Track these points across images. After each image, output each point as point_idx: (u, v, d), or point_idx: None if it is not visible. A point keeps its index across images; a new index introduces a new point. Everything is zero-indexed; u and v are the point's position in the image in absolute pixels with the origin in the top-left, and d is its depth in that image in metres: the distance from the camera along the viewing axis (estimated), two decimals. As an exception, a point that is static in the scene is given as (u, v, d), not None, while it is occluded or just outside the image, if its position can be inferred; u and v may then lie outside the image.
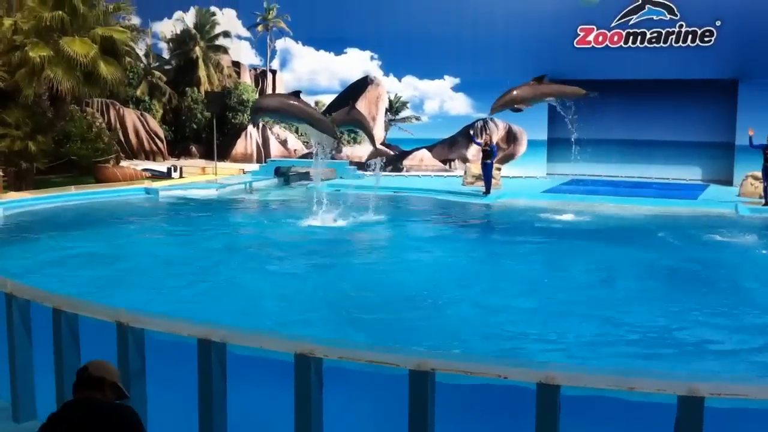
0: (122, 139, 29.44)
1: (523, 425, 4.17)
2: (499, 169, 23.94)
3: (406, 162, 28.47)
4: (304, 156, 29.09)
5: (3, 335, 6.55)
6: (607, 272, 12.12)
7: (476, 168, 23.27)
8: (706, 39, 25.05)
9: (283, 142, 30.29)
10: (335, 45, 28.93)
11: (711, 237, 15.28)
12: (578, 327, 8.64)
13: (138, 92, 30.71)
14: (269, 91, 30.27)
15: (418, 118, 28.90)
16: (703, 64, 24.98)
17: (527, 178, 26.51)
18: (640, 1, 25.75)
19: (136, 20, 28.22)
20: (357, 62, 29.04)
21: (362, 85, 29.12)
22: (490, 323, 8.81)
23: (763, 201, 19.37)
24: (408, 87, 28.91)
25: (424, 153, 28.52)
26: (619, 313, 9.33)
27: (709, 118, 25.57)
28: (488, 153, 21.49)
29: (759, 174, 19.83)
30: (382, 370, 4.72)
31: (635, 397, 4.02)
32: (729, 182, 24.00)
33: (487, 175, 21.56)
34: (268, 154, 30.11)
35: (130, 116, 30.25)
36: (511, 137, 28.06)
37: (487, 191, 21.38)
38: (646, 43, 25.86)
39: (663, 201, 20.46)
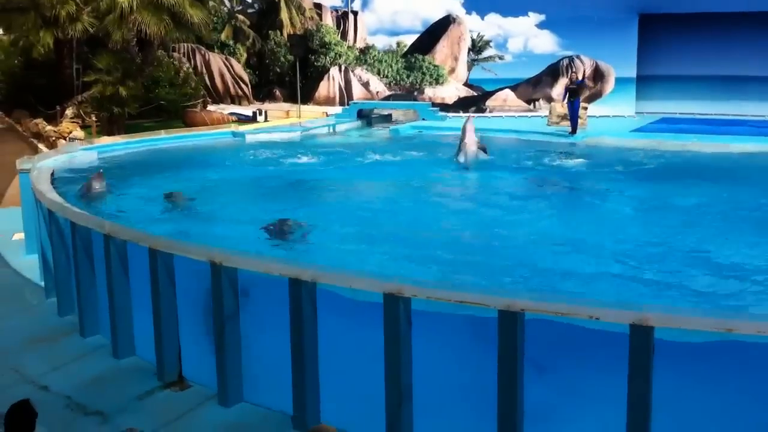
0: (208, 83, 29.92)
1: (614, 366, 4.13)
2: (586, 108, 23.30)
3: (489, 102, 28.03)
4: (387, 98, 28.97)
5: (103, 275, 6.84)
6: (713, 214, 11.68)
7: (561, 107, 22.72)
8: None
9: (365, 84, 30.21)
10: (417, -17, 28.49)
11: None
12: (678, 270, 8.40)
13: (222, 36, 31.04)
14: (351, 34, 30.11)
15: (501, 57, 28.40)
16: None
17: (615, 117, 25.78)
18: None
19: (219, -37, 28.45)
20: (439, 1, 28.55)
21: (444, 24, 28.70)
22: (587, 262, 8.68)
23: None
24: (491, 25, 28.38)
25: (508, 93, 28.03)
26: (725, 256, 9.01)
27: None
28: (574, 91, 20.89)
29: None
30: (468, 310, 4.72)
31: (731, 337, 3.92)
32: (830, 118, 22.87)
33: (573, 115, 21.01)
34: (350, 97, 30.11)
35: (216, 61, 30.64)
36: (598, 75, 27.31)
37: (574, 131, 20.87)
38: (741, -26, 24.58)
39: (758, 139, 19.60)
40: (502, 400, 4.47)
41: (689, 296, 7.48)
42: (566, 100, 20.98)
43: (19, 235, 10.76)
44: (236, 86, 30.78)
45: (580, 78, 22.14)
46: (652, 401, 4.06)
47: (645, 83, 26.47)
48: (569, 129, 21.05)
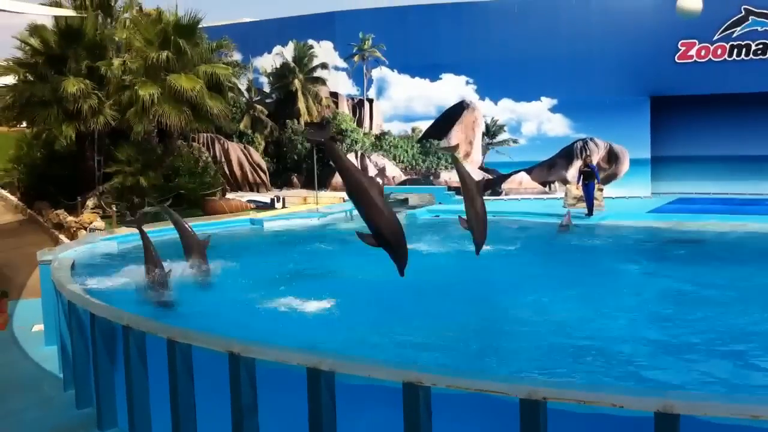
0: (227, 171, 30.39)
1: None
2: (602, 190, 23.42)
3: (505, 185, 28.25)
4: (403, 183, 29.27)
5: (121, 367, 6.83)
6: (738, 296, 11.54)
7: (577, 189, 22.84)
8: (816, 47, 24.01)
9: (381, 170, 30.55)
10: (430, 71, 29.06)
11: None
12: (704, 361, 8.26)
13: (241, 126, 31.69)
14: (367, 121, 30.65)
15: (515, 141, 28.69)
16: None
17: (631, 198, 25.85)
18: (743, 13, 24.90)
19: (237, 56, 29.27)
20: (452, 87, 29.09)
21: (458, 110, 29.16)
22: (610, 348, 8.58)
23: None
24: (504, 110, 28.76)
25: (523, 176, 28.26)
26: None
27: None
28: (588, 174, 21.03)
29: None
30: (486, 398, 4.67)
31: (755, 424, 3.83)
32: None
33: (588, 197, 21.11)
34: (367, 182, 30.37)
35: (234, 150, 31.21)
36: (612, 157, 27.49)
37: (590, 213, 20.92)
38: (751, 55, 24.99)
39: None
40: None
41: (711, 382, 7.34)
42: (581, 183, 21.12)
43: (39, 327, 10.80)
44: (254, 174, 31.27)
45: (593, 162, 22.30)
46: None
47: (660, 164, 26.66)
48: (585, 211, 21.10)
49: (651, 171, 26.76)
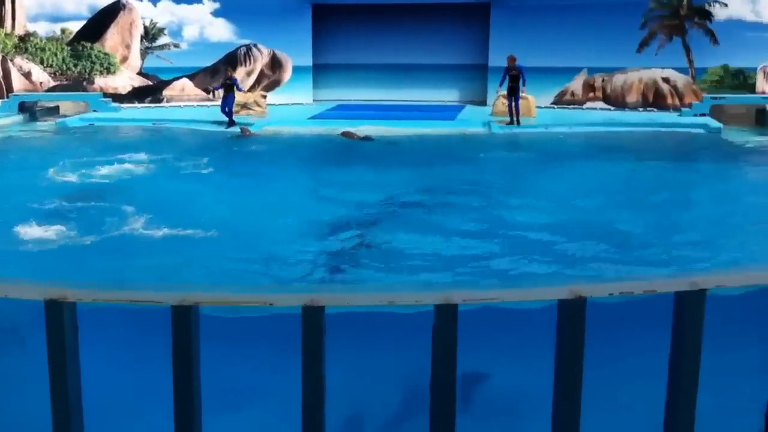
0: None
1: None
2: (265, 96, 23.54)
3: (166, 92, 27.07)
4: (52, 89, 26.72)
5: None
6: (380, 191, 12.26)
7: (241, 96, 22.60)
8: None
9: (27, 75, 27.64)
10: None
11: (470, 154, 16.07)
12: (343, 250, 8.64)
13: None
14: (9, 21, 27.35)
15: (176, 45, 27.51)
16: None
17: (294, 105, 26.29)
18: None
19: None
20: (106, -15, 26.94)
21: (113, 10, 27.15)
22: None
23: (508, 119, 20.58)
24: (164, 12, 27.33)
25: (185, 82, 27.27)
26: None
27: (465, 40, 26.54)
28: (230, 86, 20.87)
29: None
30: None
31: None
32: (483, 102, 25.21)
33: (227, 107, 20.87)
34: (10, 89, 27.33)
35: None
36: (276, 64, 27.55)
37: (231, 124, 20.64)
38: (400, -33, 26.17)
39: (425, 123, 21.13)
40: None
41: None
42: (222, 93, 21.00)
43: None
44: None
45: (235, 77, 22.10)
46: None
47: (321, 72, 27.28)
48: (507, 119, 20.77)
49: (313, 78, 27.30)
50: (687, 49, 23.86)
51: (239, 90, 21.05)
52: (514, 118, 20.36)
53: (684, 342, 3.57)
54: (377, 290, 4.10)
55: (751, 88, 23.50)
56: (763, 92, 23.15)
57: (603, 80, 24.75)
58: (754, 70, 23.59)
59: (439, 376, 3.73)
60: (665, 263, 8.09)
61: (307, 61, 27.18)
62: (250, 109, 22.72)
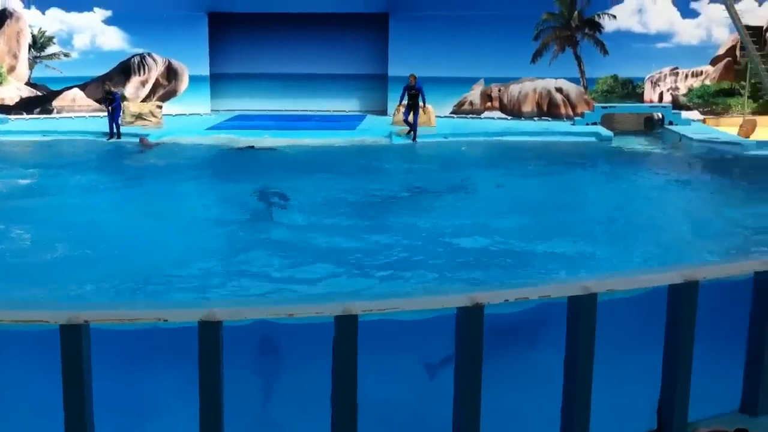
0: None
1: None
2: (161, 107, 23.04)
3: (56, 103, 26.09)
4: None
5: None
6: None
7: (135, 106, 22.10)
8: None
9: None
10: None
11: (370, 163, 16.17)
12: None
13: None
14: None
15: (67, 55, 26.54)
16: (355, -1, 25.87)
17: (191, 115, 25.79)
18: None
19: None
20: (-10, -8, 25.79)
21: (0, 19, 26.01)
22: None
23: (408, 128, 20.73)
24: (53, 20, 26.32)
25: (77, 92, 26.35)
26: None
27: (364, 50, 26.62)
28: (111, 100, 20.60)
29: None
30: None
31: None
32: (383, 112, 25.36)
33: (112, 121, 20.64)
34: None
35: None
36: (171, 73, 26.96)
37: (114, 136, 20.34)
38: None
39: (325, 133, 21.16)
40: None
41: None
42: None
43: None
44: None
45: (115, 91, 21.82)
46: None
47: (219, 82, 26.85)
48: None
49: (210, 88, 26.86)
50: (578, 60, 24.66)
51: (117, 106, 20.78)
52: (413, 133, 20.45)
53: (577, 344, 3.67)
54: (276, 303, 4.07)
55: (640, 98, 24.52)
56: (651, 101, 24.18)
57: (500, 90, 25.28)
58: (642, 79, 24.62)
59: (340, 385, 3.71)
60: (556, 270, 8.33)
61: (205, 70, 26.71)
62: (145, 119, 22.23)
